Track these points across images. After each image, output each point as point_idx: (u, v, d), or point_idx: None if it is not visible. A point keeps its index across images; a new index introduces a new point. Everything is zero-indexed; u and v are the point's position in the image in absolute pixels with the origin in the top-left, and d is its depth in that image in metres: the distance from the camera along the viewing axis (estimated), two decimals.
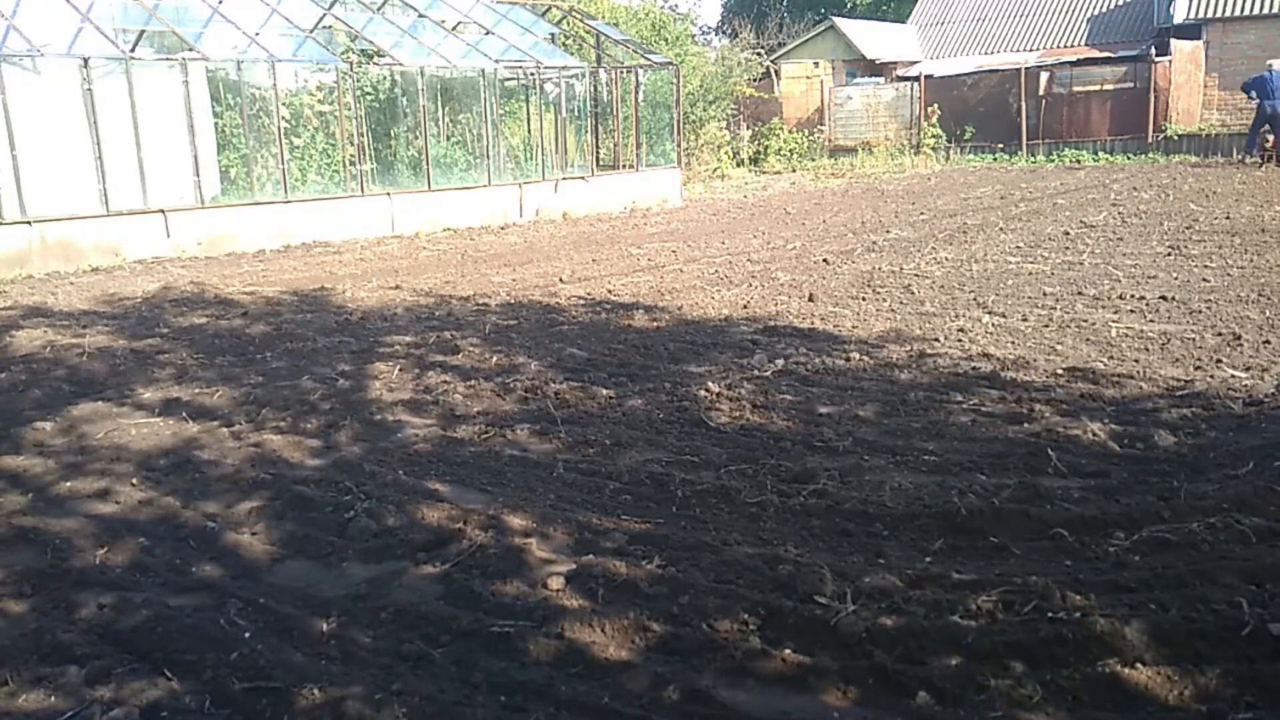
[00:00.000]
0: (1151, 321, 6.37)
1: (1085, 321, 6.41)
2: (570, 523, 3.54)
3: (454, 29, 16.56)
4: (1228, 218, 10.90)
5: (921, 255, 9.63)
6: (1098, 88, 22.42)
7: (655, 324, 7.01)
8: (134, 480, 4.22)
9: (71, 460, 4.50)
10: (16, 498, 4.06)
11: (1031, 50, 26.02)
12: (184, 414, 5.17)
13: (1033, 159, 22.22)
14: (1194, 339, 5.82)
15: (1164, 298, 6.95)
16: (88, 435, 4.85)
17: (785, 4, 35.73)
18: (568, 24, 19.24)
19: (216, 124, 13.57)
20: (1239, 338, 5.75)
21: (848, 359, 5.72)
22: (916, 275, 8.53)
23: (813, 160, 24.21)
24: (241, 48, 13.37)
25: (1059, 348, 5.78)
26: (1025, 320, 6.53)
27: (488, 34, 16.57)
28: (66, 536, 3.60)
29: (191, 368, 6.17)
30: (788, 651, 2.64)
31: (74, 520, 3.78)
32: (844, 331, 6.54)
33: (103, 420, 5.08)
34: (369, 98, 15.36)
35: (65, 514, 3.87)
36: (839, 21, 28.11)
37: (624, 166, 17.61)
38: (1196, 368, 5.22)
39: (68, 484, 4.21)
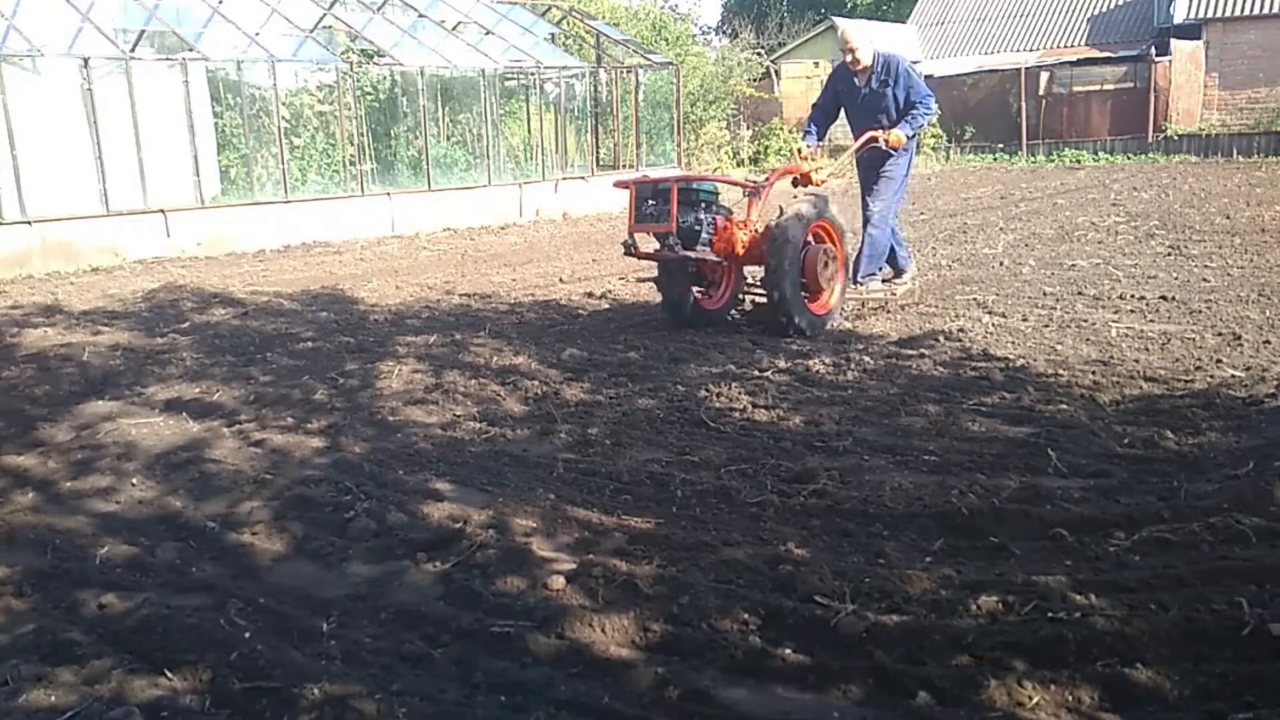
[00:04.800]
0: (1151, 321, 6.37)
1: (1085, 321, 6.41)
2: (571, 522, 3.54)
3: (454, 29, 16.56)
4: (1228, 218, 10.90)
5: (921, 255, 9.62)
6: (1098, 88, 22.44)
7: (656, 323, 7.01)
8: (135, 480, 4.22)
9: (76, 459, 4.51)
10: (20, 496, 4.07)
11: (1031, 50, 26.01)
12: (186, 413, 5.17)
13: (1033, 159, 22.23)
14: (1194, 339, 5.82)
15: (1164, 298, 6.95)
16: (92, 434, 4.85)
17: (785, 4, 35.72)
18: (568, 24, 19.24)
19: (216, 124, 13.58)
20: (1239, 338, 5.75)
21: (848, 358, 5.72)
22: (916, 274, 8.52)
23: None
24: (241, 48, 13.37)
25: (1059, 348, 5.78)
26: (1025, 320, 6.54)
27: (488, 34, 16.57)
28: (69, 535, 3.61)
29: (194, 367, 6.17)
30: (788, 651, 2.64)
31: (76, 519, 3.79)
32: (844, 331, 6.54)
33: (107, 419, 5.08)
34: (369, 98, 15.36)
35: (68, 513, 3.87)
36: (839, 22, 28.09)
37: (624, 166, 17.60)
38: (1196, 368, 5.22)
39: (69, 483, 4.21)
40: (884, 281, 7.60)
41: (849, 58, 7.26)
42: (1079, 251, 9.31)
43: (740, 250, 6.49)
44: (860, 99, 7.32)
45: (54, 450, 4.67)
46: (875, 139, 7.08)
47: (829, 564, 3.09)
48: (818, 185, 7.09)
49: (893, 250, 7.54)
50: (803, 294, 6.38)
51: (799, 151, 7.18)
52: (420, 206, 14.47)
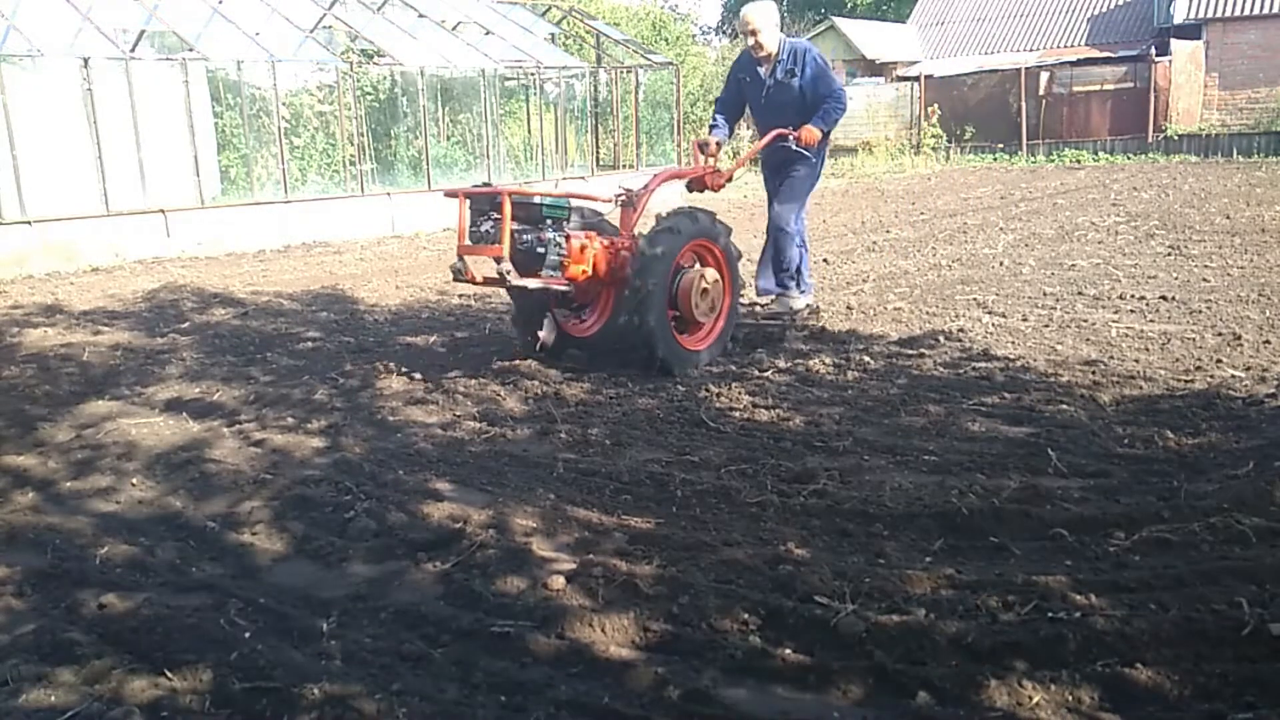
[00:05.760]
0: (1151, 321, 6.37)
1: (1085, 321, 6.41)
2: (571, 522, 3.54)
3: (454, 29, 16.57)
4: (1228, 218, 10.90)
5: (921, 255, 9.63)
6: (1098, 88, 22.44)
7: None
8: (135, 480, 4.22)
9: (76, 459, 4.51)
10: (20, 496, 4.07)
11: (1031, 50, 26.02)
12: (186, 413, 5.17)
13: (1033, 159, 22.23)
14: (1194, 339, 5.82)
15: (1164, 298, 6.95)
16: (93, 434, 4.84)
17: (785, 4, 35.73)
18: (568, 24, 19.25)
19: (216, 124, 13.59)
20: (1239, 338, 5.75)
21: (847, 358, 5.72)
22: (916, 275, 8.53)
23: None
24: (241, 48, 13.37)
25: (1059, 348, 5.78)
26: (1025, 320, 6.54)
27: (488, 34, 16.58)
28: (69, 535, 3.60)
29: (194, 367, 6.17)
30: (788, 651, 2.64)
31: (76, 519, 3.79)
32: (844, 331, 6.53)
33: (107, 419, 5.08)
34: (369, 98, 15.37)
35: (68, 513, 3.87)
36: (839, 21, 28.13)
37: (624, 166, 17.62)
38: (1196, 368, 5.22)
39: (69, 483, 4.21)
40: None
41: (750, 41, 6.36)
42: (1079, 251, 9.31)
43: (603, 273, 5.46)
44: (765, 91, 6.43)
45: (54, 450, 4.67)
46: (784, 135, 6.23)
47: (829, 564, 3.09)
48: (716, 190, 6.44)
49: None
50: (673, 324, 5.47)
51: (704, 146, 6.33)
52: (420, 206, 14.47)
